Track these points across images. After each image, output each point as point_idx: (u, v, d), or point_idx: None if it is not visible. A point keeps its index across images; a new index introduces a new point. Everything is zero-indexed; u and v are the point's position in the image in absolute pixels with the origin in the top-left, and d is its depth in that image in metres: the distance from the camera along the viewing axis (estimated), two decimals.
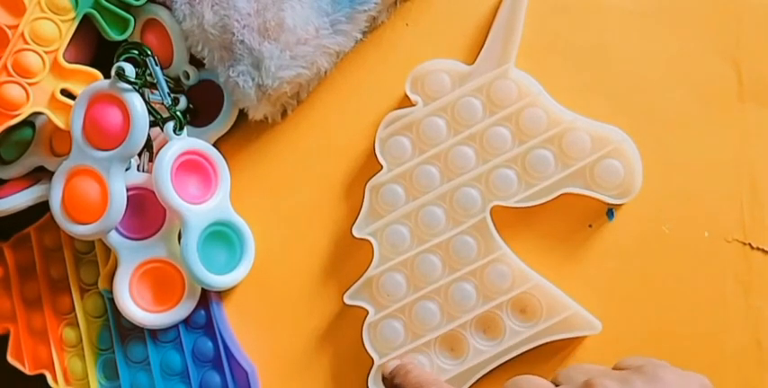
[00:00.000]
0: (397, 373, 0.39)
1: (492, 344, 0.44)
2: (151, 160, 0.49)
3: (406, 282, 0.45)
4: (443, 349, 0.44)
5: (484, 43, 0.46)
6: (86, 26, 0.48)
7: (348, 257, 0.48)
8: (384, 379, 0.41)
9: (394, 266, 0.45)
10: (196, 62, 0.50)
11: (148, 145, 0.48)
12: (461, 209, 0.44)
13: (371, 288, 0.46)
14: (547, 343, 0.43)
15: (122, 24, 0.49)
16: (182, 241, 0.47)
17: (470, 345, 0.44)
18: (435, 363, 0.44)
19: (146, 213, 0.49)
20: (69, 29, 0.48)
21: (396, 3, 0.49)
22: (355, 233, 0.46)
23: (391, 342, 0.45)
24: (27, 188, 0.49)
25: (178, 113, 0.48)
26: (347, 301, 0.46)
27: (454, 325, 0.44)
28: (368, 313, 0.46)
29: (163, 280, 0.49)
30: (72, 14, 0.48)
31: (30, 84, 0.47)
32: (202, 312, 0.49)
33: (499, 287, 0.44)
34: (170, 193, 0.46)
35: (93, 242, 0.51)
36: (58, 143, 0.52)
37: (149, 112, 0.46)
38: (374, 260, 0.45)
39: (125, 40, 0.49)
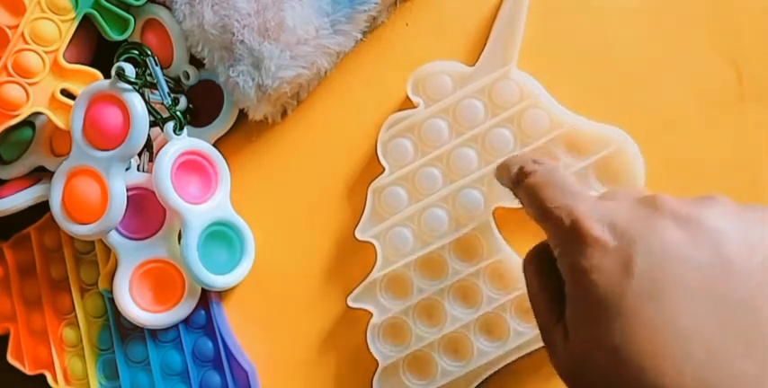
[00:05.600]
0: (534, 171, 0.35)
1: (495, 345, 0.44)
2: (151, 160, 0.49)
3: (410, 284, 0.45)
4: (448, 351, 0.45)
5: (485, 44, 0.46)
6: (86, 26, 0.48)
7: (350, 258, 0.48)
8: (510, 172, 0.37)
9: (398, 268, 0.45)
10: (196, 62, 0.50)
11: (148, 145, 0.48)
12: (464, 211, 0.44)
13: (375, 291, 0.46)
14: None
15: (122, 24, 0.49)
16: (182, 241, 0.47)
17: (474, 347, 0.44)
18: (440, 364, 0.44)
19: (146, 213, 0.49)
20: (69, 29, 0.48)
21: (396, 3, 0.49)
22: (358, 235, 0.46)
23: (396, 344, 0.45)
24: (27, 188, 0.49)
25: (178, 113, 0.48)
26: (351, 304, 0.46)
27: (458, 326, 0.44)
28: (371, 315, 0.46)
29: (163, 280, 0.49)
30: (72, 14, 0.47)
31: (30, 84, 0.47)
32: (202, 312, 0.49)
33: (502, 288, 0.44)
34: (170, 193, 0.46)
35: (93, 242, 0.51)
36: (58, 143, 0.52)
37: (149, 112, 0.46)
38: (377, 262, 0.46)
39: (125, 40, 0.49)
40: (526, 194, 0.35)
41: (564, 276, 0.31)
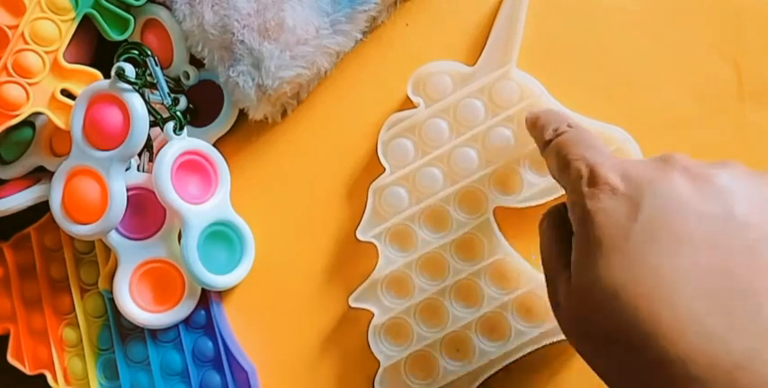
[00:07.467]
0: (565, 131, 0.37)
1: (497, 345, 0.44)
2: (151, 160, 0.49)
3: (411, 284, 0.45)
4: (449, 351, 0.44)
5: (485, 44, 0.46)
6: (86, 26, 0.48)
7: (351, 258, 0.48)
8: (544, 131, 0.38)
9: (399, 268, 0.45)
10: (196, 62, 0.50)
11: (148, 145, 0.48)
12: (465, 211, 0.45)
13: (376, 291, 0.46)
14: (552, 343, 0.43)
15: (122, 24, 0.49)
16: (182, 241, 0.47)
17: (476, 346, 0.44)
18: (441, 364, 0.44)
19: (146, 213, 0.49)
20: (69, 29, 0.47)
21: (396, 3, 0.49)
22: (359, 236, 0.46)
23: (398, 344, 0.45)
24: (27, 188, 0.49)
25: (178, 113, 0.48)
26: (352, 304, 0.46)
27: (459, 325, 0.44)
28: (373, 314, 0.46)
29: (163, 280, 0.49)
30: (72, 14, 0.47)
31: (30, 84, 0.47)
32: (202, 312, 0.49)
33: (504, 288, 0.44)
34: (170, 193, 0.46)
35: (93, 242, 0.51)
36: (58, 143, 0.52)
37: (149, 112, 0.46)
38: (379, 262, 0.46)
39: (125, 40, 0.49)
40: (554, 151, 0.36)
41: (573, 223, 0.32)
